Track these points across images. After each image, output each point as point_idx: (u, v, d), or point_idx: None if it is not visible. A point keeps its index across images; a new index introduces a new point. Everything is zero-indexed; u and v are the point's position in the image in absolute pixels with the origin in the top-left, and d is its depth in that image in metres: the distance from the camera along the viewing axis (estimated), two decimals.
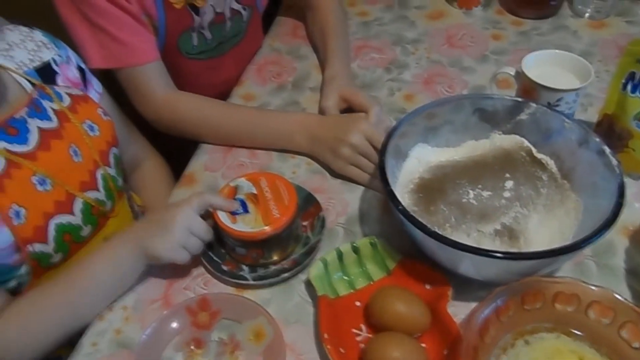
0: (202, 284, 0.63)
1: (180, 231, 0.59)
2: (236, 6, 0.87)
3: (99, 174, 0.68)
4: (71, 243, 0.64)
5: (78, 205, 0.65)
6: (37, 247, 0.61)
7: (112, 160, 0.71)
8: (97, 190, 0.68)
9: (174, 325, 0.58)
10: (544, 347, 0.52)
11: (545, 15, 0.98)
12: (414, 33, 0.97)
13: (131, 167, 0.84)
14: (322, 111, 0.78)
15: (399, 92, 0.85)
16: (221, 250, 0.64)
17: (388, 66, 0.90)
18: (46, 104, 0.65)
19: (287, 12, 1.04)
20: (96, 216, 0.68)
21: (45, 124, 0.64)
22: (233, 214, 0.61)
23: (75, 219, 0.65)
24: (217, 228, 0.62)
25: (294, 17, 1.02)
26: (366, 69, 0.90)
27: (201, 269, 0.64)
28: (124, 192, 0.76)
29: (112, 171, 0.71)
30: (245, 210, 0.61)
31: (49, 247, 0.62)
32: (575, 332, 0.53)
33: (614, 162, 0.55)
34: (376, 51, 0.93)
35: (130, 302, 0.61)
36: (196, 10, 0.81)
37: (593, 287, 0.53)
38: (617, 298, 0.52)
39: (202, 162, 0.78)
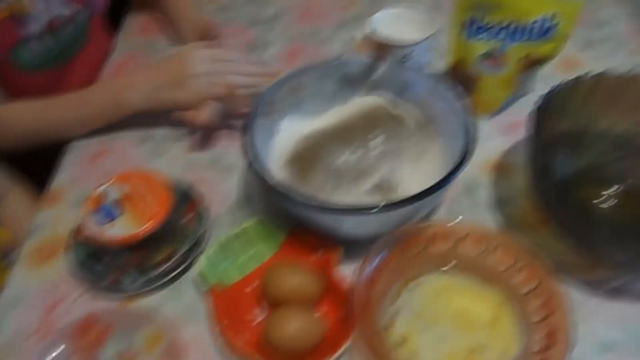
0: (86, 303, 0.59)
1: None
2: (68, 9, 0.80)
3: None
4: None
5: None
6: None
7: None
8: None
9: (57, 354, 0.54)
10: (431, 287, 0.55)
11: None
12: (269, 11, 0.97)
13: None
14: None
15: None
16: (101, 263, 0.60)
17: (248, 49, 0.89)
18: None
19: (137, 8, 0.99)
20: None
21: None
22: (105, 221, 0.57)
23: None
24: (92, 242, 0.58)
25: (146, 11, 0.97)
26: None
27: (83, 288, 0.60)
28: None
29: None
30: (118, 215, 0.58)
31: None
32: (455, 266, 0.56)
33: (461, 103, 0.59)
34: (234, 36, 0.92)
35: (0, 340, 0.56)
36: (21, 20, 0.74)
37: (463, 223, 0.56)
38: (485, 228, 0.55)
39: (65, 177, 0.72)
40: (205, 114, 0.69)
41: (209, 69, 0.69)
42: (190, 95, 0.69)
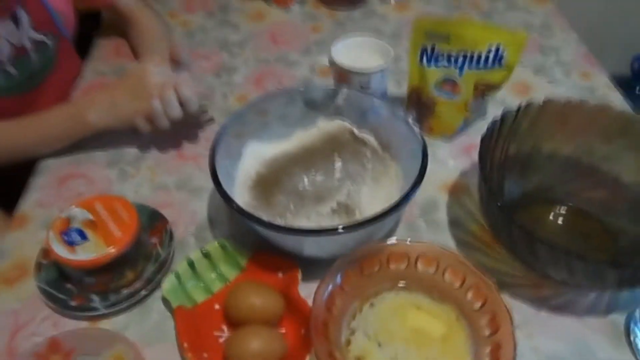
0: (51, 326, 0.60)
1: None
2: (37, 36, 0.81)
3: None
4: None
5: None
6: None
7: None
8: None
9: None
10: (388, 305, 0.57)
11: (356, 4, 1.06)
12: (238, 36, 1.00)
13: None
14: None
15: (232, 95, 0.87)
16: (66, 286, 0.61)
17: (218, 72, 0.92)
18: None
19: (106, 33, 1.01)
20: None
21: None
22: (71, 244, 0.58)
23: None
24: (58, 264, 0.59)
25: (115, 36, 0.99)
26: (197, 78, 0.90)
27: (48, 311, 0.61)
28: None
29: None
30: (84, 238, 0.59)
31: None
32: (410, 285, 0.59)
33: (415, 129, 0.62)
34: (204, 59, 0.94)
35: None
36: None
37: (418, 243, 0.59)
38: (438, 248, 0.58)
39: (33, 199, 0.73)
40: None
41: (162, 79, 0.73)
42: (146, 105, 0.72)
